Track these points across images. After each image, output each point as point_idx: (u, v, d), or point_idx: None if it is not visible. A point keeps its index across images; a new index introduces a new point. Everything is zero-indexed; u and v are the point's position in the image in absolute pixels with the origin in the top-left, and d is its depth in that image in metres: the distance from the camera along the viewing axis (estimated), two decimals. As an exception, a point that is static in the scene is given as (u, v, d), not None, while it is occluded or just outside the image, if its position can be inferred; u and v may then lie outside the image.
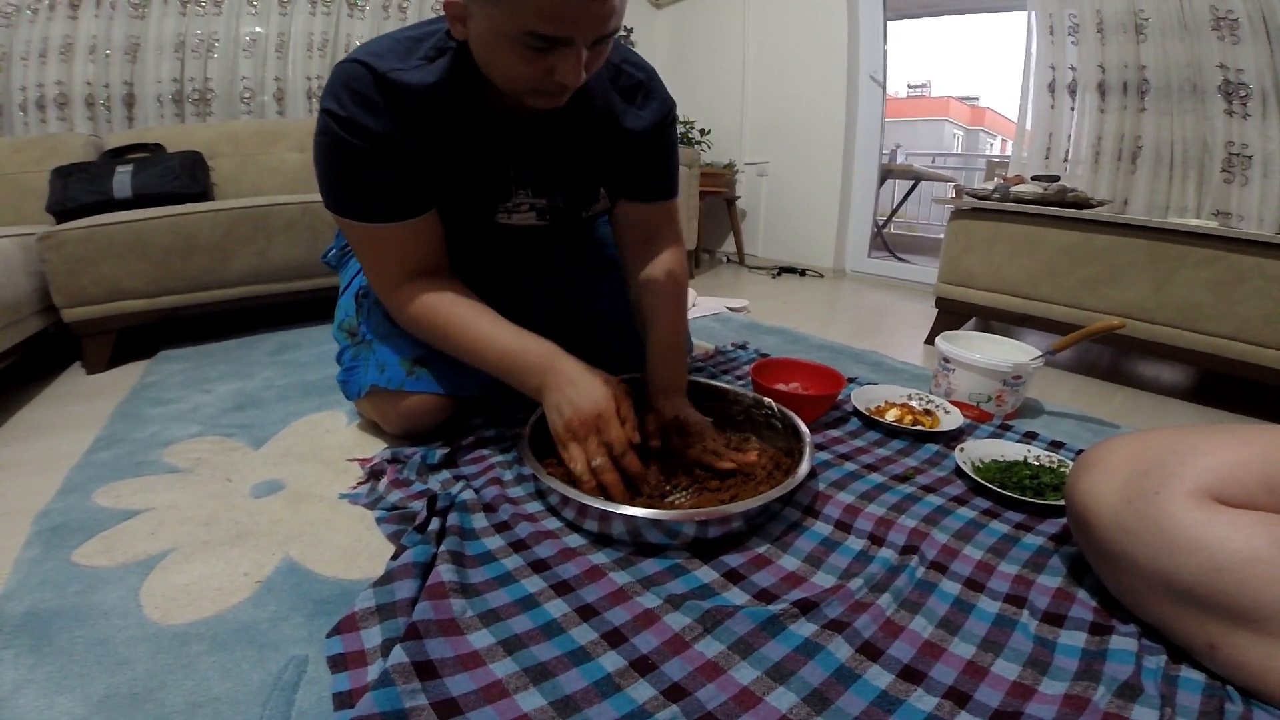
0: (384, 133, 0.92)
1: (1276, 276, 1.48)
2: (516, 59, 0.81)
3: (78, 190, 2.03)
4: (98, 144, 2.36)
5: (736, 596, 0.79)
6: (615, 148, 1.12)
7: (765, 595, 0.80)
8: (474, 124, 1.00)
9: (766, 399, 1.19)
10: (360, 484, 1.07)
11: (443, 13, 0.88)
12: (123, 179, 2.07)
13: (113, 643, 0.71)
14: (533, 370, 1.00)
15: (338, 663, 0.67)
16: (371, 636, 0.69)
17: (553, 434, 0.98)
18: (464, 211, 1.08)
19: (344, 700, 0.62)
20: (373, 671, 0.65)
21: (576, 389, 0.96)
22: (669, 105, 1.15)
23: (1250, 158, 2.20)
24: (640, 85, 1.11)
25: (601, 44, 0.84)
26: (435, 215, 1.04)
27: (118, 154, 2.23)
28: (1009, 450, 1.16)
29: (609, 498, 0.91)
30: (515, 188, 1.10)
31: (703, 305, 2.49)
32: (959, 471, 1.12)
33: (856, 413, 1.35)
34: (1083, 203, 1.93)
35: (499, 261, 1.25)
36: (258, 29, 2.81)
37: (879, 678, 0.66)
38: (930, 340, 2.12)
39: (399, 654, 0.63)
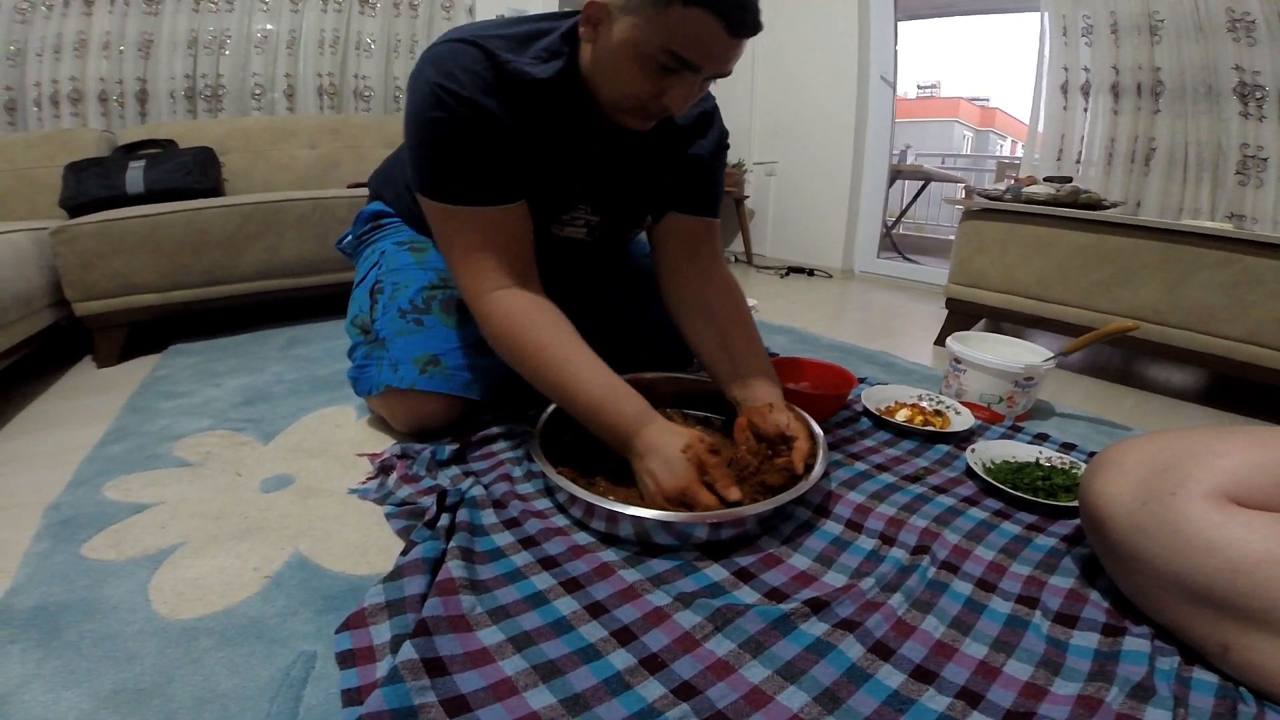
0: (500, 117, 0.92)
1: (1292, 279, 1.46)
2: (640, 74, 0.85)
3: (90, 185, 2.04)
4: (111, 140, 2.38)
5: (747, 595, 0.79)
6: (677, 170, 1.15)
7: (776, 594, 0.79)
8: (564, 132, 1.00)
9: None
10: (370, 479, 1.07)
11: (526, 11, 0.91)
12: (135, 174, 2.08)
13: (121, 637, 0.71)
14: (620, 433, 0.94)
15: (346, 659, 0.66)
16: (380, 633, 0.69)
17: (645, 497, 0.93)
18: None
19: (352, 697, 0.62)
20: (381, 668, 0.64)
21: (660, 459, 0.90)
22: (724, 133, 1.20)
23: (1265, 160, 2.18)
24: (707, 114, 1.15)
25: (711, 80, 0.90)
26: (527, 210, 1.02)
27: (130, 149, 2.24)
28: (1020, 451, 1.16)
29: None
30: (578, 201, 1.12)
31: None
32: (970, 472, 1.11)
33: (867, 413, 1.35)
34: (1095, 204, 1.92)
35: (545, 269, 1.24)
36: (269, 26, 2.81)
37: (891, 677, 0.66)
38: (940, 341, 2.11)
39: (408, 650, 0.63)
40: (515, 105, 0.93)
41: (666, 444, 0.91)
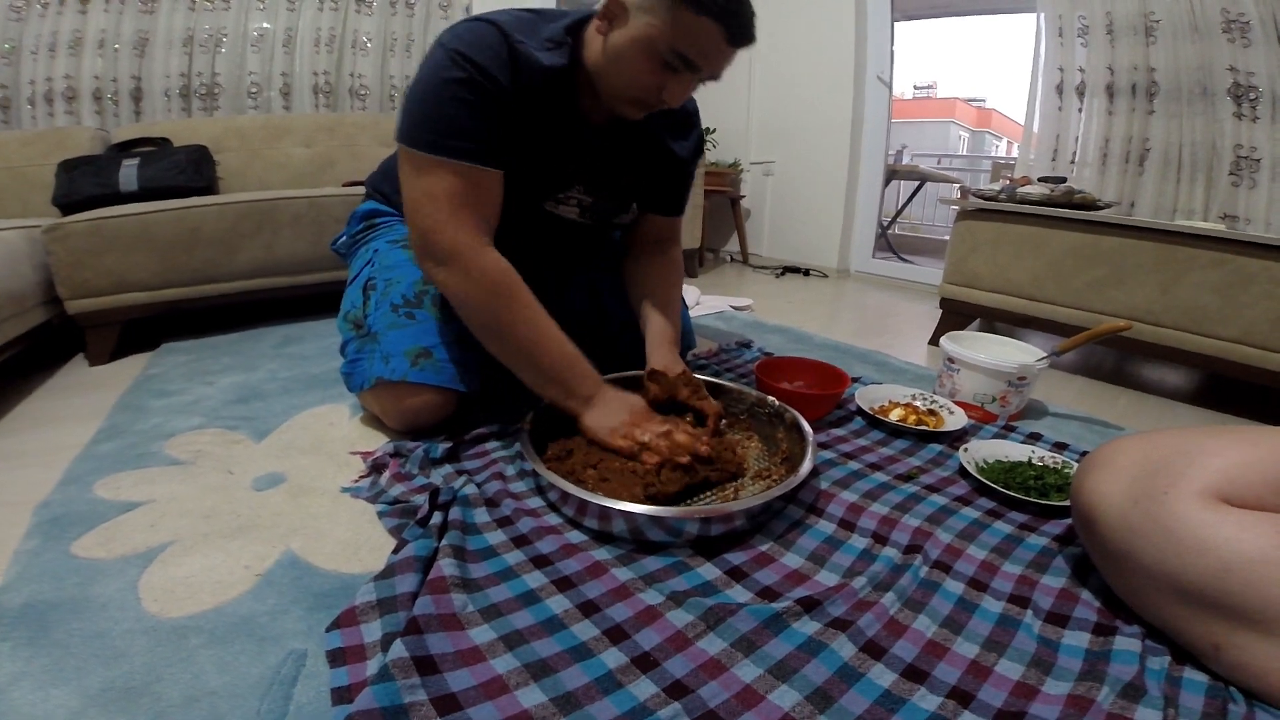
0: (507, 88, 1.00)
1: (1285, 280, 1.47)
2: (646, 68, 0.96)
3: (84, 183, 2.03)
4: (105, 138, 2.37)
5: (739, 594, 0.79)
6: (659, 167, 1.27)
7: (768, 593, 0.79)
8: (560, 115, 1.09)
9: (770, 397, 1.18)
10: (362, 477, 1.06)
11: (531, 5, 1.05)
12: (129, 172, 2.07)
13: (110, 635, 0.70)
14: (581, 387, 1.07)
15: (337, 657, 0.66)
16: (371, 631, 0.69)
17: (607, 437, 1.03)
18: (519, 191, 1.12)
19: (342, 695, 0.62)
20: (372, 666, 0.64)
21: (625, 404, 1.07)
22: (702, 137, 1.36)
23: (1259, 161, 2.19)
24: (689, 116, 1.29)
25: (704, 81, 1.01)
26: (503, 185, 1.08)
27: (125, 148, 2.23)
28: (1013, 451, 1.16)
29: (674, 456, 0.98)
30: (573, 181, 1.20)
31: (706, 304, 2.49)
32: (963, 472, 1.11)
33: (860, 412, 1.35)
34: (1090, 204, 1.92)
35: (530, 250, 1.26)
36: (265, 24, 2.81)
37: (882, 677, 0.66)
38: (934, 341, 2.11)
39: (399, 649, 0.62)
40: (521, 85, 1.01)
41: (614, 398, 1.08)
